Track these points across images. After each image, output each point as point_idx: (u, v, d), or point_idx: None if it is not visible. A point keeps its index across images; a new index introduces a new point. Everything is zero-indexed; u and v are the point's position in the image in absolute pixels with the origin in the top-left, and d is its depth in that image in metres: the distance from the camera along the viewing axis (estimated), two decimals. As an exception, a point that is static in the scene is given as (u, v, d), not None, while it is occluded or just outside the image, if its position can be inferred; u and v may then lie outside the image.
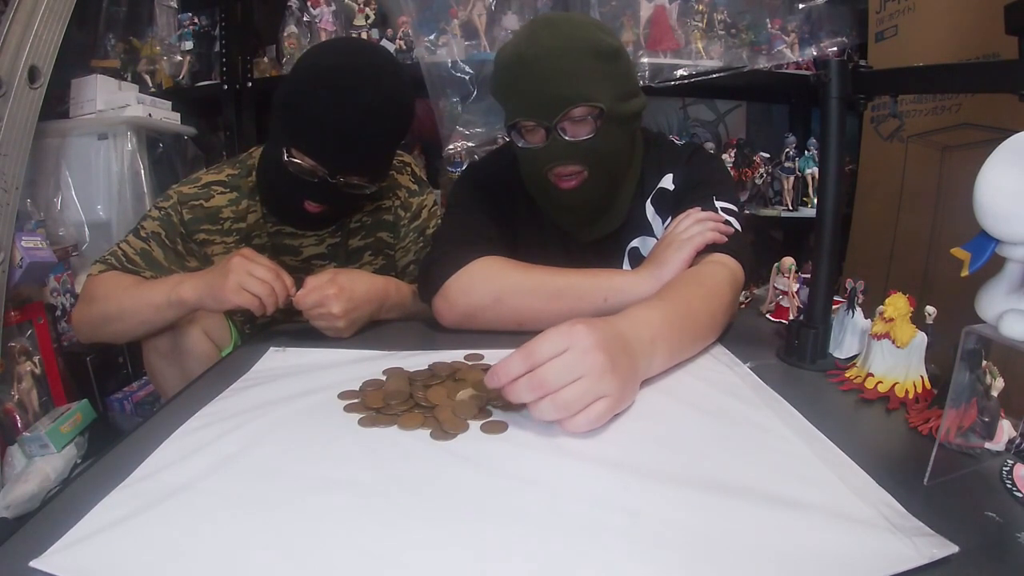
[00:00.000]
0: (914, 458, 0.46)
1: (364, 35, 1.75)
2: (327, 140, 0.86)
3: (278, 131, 0.90)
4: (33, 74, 1.21)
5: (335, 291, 0.80)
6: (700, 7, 1.71)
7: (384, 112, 0.87)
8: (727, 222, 0.81)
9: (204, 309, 0.86)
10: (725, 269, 0.76)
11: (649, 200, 0.90)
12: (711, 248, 0.78)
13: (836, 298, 0.70)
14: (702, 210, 0.82)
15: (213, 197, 1.00)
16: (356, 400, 0.59)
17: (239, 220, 1.02)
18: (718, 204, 0.83)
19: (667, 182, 0.90)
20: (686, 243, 0.78)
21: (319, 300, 0.79)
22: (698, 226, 0.80)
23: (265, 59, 1.85)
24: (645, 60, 1.67)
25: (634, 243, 0.91)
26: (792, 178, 1.84)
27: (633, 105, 0.83)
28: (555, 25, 0.79)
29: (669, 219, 0.86)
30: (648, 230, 0.90)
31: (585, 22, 0.81)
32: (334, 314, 0.80)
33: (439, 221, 1.10)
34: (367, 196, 1.00)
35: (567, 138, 0.79)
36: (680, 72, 1.67)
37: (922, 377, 0.58)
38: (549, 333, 0.51)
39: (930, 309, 0.59)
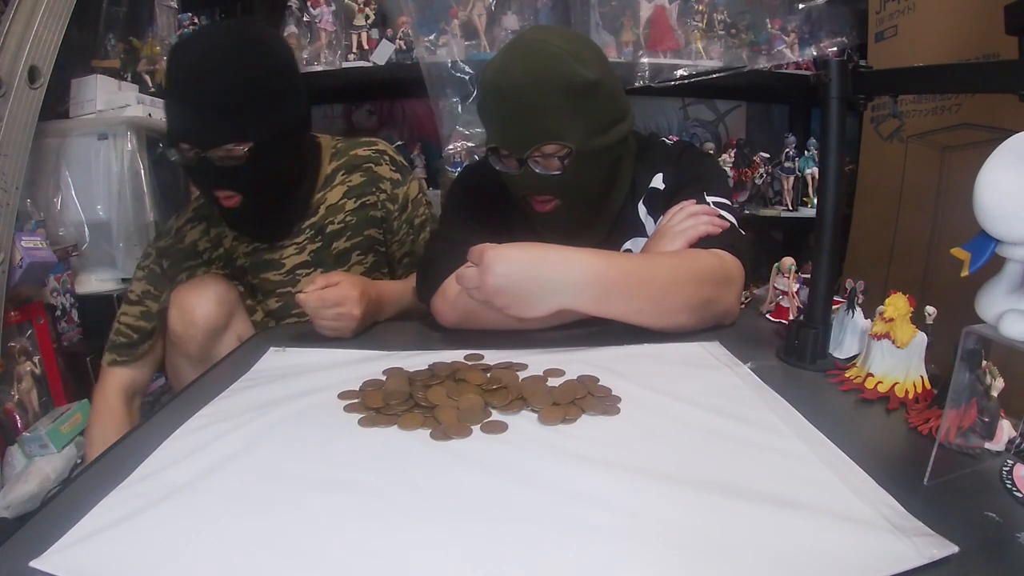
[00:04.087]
0: (914, 458, 0.46)
1: (364, 35, 1.75)
2: (183, 115, 0.86)
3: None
4: (33, 74, 1.21)
5: (358, 293, 0.81)
6: (700, 7, 1.71)
7: (216, 66, 0.83)
8: (721, 216, 0.81)
9: None
10: (714, 256, 0.76)
11: (641, 201, 0.90)
12: (708, 244, 0.78)
13: (836, 298, 0.70)
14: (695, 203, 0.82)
15: (185, 236, 1.03)
16: (356, 400, 0.59)
17: (216, 247, 1.04)
18: (709, 199, 0.82)
19: (657, 182, 0.90)
20: (679, 235, 0.79)
21: (339, 299, 0.79)
22: (691, 219, 0.80)
23: (265, 59, 1.85)
24: (645, 60, 1.67)
25: (627, 244, 0.91)
26: (792, 178, 1.84)
27: (612, 135, 0.82)
28: (532, 55, 0.75)
29: (661, 218, 0.86)
30: (641, 231, 0.90)
31: (563, 53, 0.75)
32: (354, 315, 0.80)
33: (427, 208, 1.10)
34: (276, 173, 0.93)
35: (538, 171, 0.79)
36: (680, 72, 1.67)
37: (922, 377, 0.57)
38: (472, 269, 0.68)
39: (930, 309, 0.59)
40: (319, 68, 1.71)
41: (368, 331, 0.86)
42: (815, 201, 1.51)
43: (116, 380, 1.02)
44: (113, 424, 0.99)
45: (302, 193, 1.01)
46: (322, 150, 1.05)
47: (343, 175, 1.04)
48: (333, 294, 0.79)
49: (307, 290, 0.78)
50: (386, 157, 1.06)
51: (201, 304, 0.92)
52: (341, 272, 0.85)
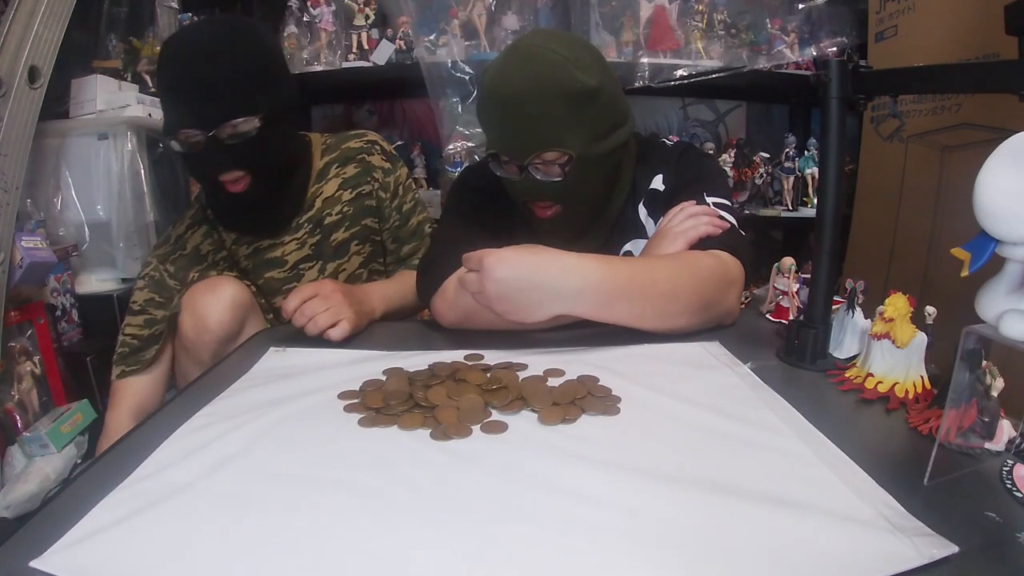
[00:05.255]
0: (914, 458, 0.46)
1: (364, 35, 1.75)
2: (186, 102, 0.86)
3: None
4: (33, 74, 1.21)
5: (330, 284, 0.83)
6: (700, 7, 1.71)
7: (219, 48, 0.86)
8: (721, 217, 0.81)
9: None
10: (714, 258, 0.76)
11: (641, 203, 0.90)
12: (707, 244, 0.78)
13: (836, 298, 0.70)
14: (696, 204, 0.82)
15: (188, 242, 1.04)
16: (356, 400, 0.59)
17: (219, 250, 1.04)
18: (709, 200, 0.82)
19: (657, 183, 0.90)
20: (679, 236, 0.78)
21: (313, 291, 0.81)
22: (691, 220, 0.80)
23: (265, 59, 1.85)
24: (645, 60, 1.67)
25: (627, 246, 0.91)
26: (792, 178, 1.84)
27: (613, 140, 0.81)
28: (531, 62, 0.75)
29: (661, 219, 0.86)
30: (641, 232, 0.90)
31: (563, 59, 0.74)
32: (336, 292, 0.81)
33: (415, 195, 1.11)
34: (272, 151, 0.94)
35: (539, 177, 0.79)
36: (680, 72, 1.67)
37: (922, 377, 0.57)
38: (473, 275, 0.68)
39: (930, 309, 0.59)
40: (319, 68, 1.72)
41: (368, 331, 0.86)
42: (815, 201, 1.51)
43: (128, 397, 0.99)
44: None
45: (296, 187, 1.02)
46: (312, 146, 1.07)
47: (337, 168, 1.06)
48: (306, 291, 0.80)
49: (289, 309, 0.79)
50: (377, 147, 1.09)
51: (215, 310, 0.90)
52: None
